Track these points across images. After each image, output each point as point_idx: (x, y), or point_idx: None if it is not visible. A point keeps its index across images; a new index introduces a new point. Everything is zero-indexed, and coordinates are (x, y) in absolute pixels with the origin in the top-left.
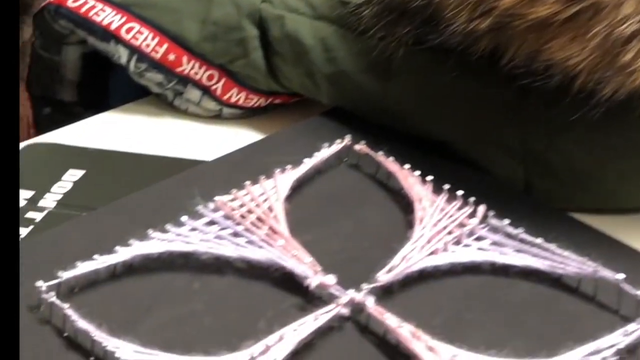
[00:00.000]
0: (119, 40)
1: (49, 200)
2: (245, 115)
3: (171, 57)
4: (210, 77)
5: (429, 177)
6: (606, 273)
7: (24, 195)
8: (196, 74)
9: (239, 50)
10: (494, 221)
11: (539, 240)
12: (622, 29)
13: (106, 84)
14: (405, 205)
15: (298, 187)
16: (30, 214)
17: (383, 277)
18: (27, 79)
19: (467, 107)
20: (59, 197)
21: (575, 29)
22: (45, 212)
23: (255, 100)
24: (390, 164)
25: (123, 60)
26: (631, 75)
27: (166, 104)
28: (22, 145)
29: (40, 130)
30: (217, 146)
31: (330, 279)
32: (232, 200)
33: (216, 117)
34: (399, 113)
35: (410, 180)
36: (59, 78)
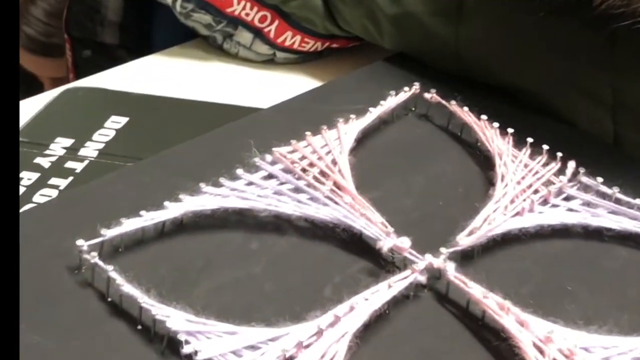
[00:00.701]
0: None
1: (90, 149)
2: (300, 60)
3: None
4: (262, 19)
5: (510, 130)
6: None
7: (64, 143)
8: (248, 14)
9: None
10: (586, 179)
11: (637, 201)
12: None
13: (150, 25)
14: (482, 160)
15: (363, 139)
16: (70, 164)
17: (463, 240)
18: (66, 20)
19: (551, 52)
20: (101, 145)
21: None
22: (86, 161)
23: (311, 44)
24: (464, 114)
25: (168, 0)
26: None
27: (215, 47)
28: (60, 89)
29: (80, 75)
30: (270, 93)
31: (405, 242)
32: (292, 152)
33: (269, 62)
34: (473, 60)
35: (488, 132)
36: (99, 19)
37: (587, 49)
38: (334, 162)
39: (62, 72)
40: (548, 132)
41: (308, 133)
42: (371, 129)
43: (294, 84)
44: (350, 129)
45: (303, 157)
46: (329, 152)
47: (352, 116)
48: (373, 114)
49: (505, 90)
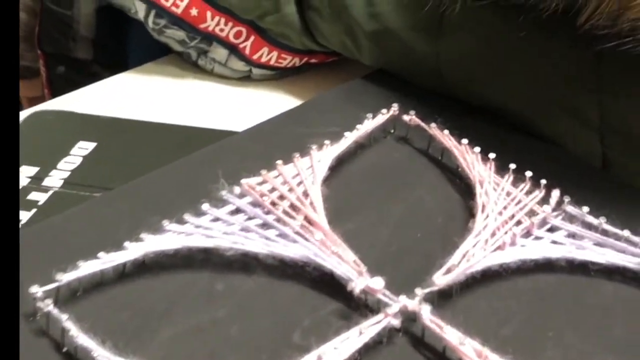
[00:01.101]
0: None
1: (55, 179)
2: (277, 76)
3: (194, 11)
4: (237, 34)
5: (491, 155)
6: None
7: (27, 172)
8: (222, 30)
9: (270, 4)
10: (571, 208)
11: (625, 233)
12: None
13: (125, 40)
14: (463, 187)
15: (338, 166)
16: (33, 195)
17: (440, 279)
18: (38, 35)
19: (535, 71)
20: (66, 174)
21: None
22: (50, 192)
23: (288, 60)
24: (445, 138)
25: (140, 15)
26: None
27: (189, 64)
28: (25, 113)
29: (55, 91)
30: (246, 112)
31: (378, 283)
32: (261, 183)
33: (245, 79)
34: (454, 77)
35: (469, 157)
36: (72, 34)
37: (573, 68)
38: (306, 194)
39: (38, 92)
40: (533, 156)
41: (279, 162)
42: (347, 154)
43: (271, 101)
44: (324, 156)
45: (273, 189)
46: (300, 183)
47: (327, 142)
48: (348, 139)
49: (489, 109)
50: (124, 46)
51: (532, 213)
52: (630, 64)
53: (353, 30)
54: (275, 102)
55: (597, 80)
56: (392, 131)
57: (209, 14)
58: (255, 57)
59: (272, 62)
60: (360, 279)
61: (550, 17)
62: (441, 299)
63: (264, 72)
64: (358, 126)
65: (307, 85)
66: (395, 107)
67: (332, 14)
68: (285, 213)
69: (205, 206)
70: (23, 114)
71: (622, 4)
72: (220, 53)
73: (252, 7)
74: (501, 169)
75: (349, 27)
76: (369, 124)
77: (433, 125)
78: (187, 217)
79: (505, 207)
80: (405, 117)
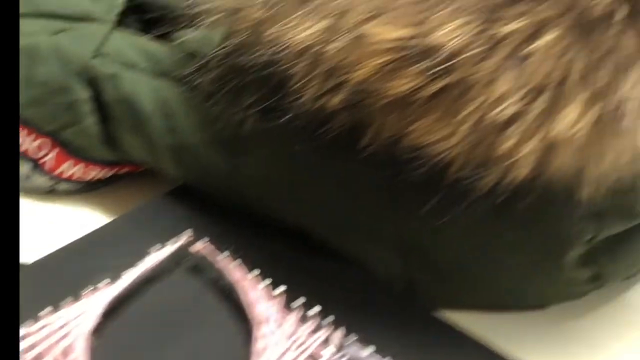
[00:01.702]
0: None
1: None
2: (85, 189)
3: None
4: (39, 148)
5: (281, 287)
6: None
7: None
8: (22, 143)
9: (69, 115)
10: (354, 350)
11: None
12: (497, 111)
13: None
14: (247, 328)
15: (116, 309)
16: None
17: None
18: None
19: (329, 190)
20: None
21: (442, 109)
22: None
23: (95, 172)
24: (233, 270)
25: None
26: (513, 167)
27: None
28: None
29: None
30: (47, 234)
31: None
32: (23, 337)
33: (51, 193)
34: (252, 195)
35: (253, 294)
36: None
37: (365, 187)
38: (71, 348)
39: None
40: (328, 285)
41: (44, 312)
42: (129, 293)
43: (79, 219)
44: (99, 300)
45: (33, 346)
46: (66, 335)
47: (105, 282)
48: (130, 276)
49: (292, 230)
50: None
51: (313, 357)
52: (421, 188)
53: (153, 143)
54: (83, 219)
55: (390, 200)
56: (188, 258)
57: None
58: (58, 171)
59: (77, 176)
60: None
61: (339, 137)
62: None
63: (69, 186)
64: (145, 259)
65: (119, 197)
66: (189, 233)
67: (132, 125)
68: None
69: None
70: None
71: (399, 129)
72: (21, 168)
73: (51, 118)
74: (290, 303)
75: (148, 140)
76: (158, 256)
77: (224, 254)
78: None
79: (286, 351)
80: (198, 246)
